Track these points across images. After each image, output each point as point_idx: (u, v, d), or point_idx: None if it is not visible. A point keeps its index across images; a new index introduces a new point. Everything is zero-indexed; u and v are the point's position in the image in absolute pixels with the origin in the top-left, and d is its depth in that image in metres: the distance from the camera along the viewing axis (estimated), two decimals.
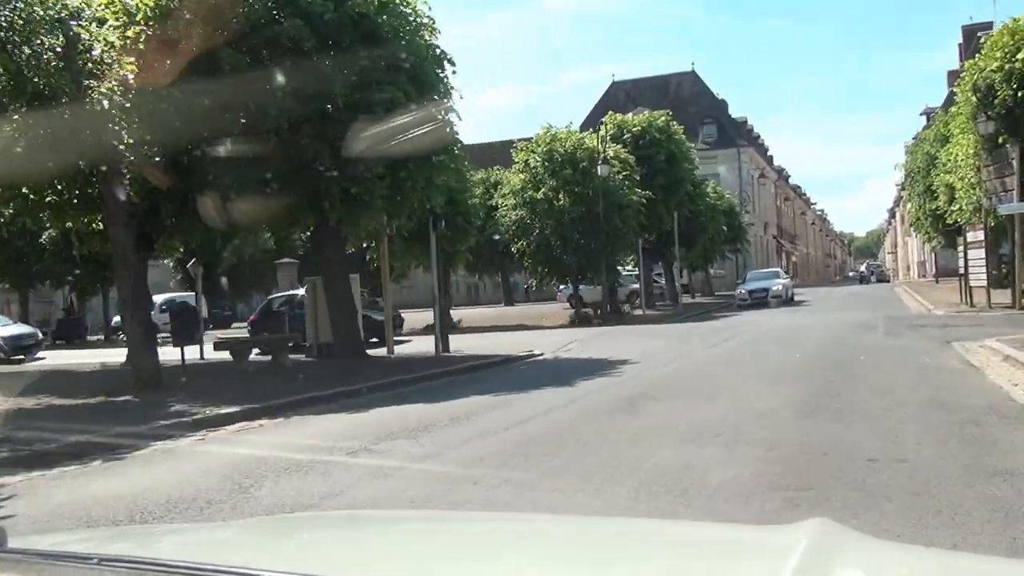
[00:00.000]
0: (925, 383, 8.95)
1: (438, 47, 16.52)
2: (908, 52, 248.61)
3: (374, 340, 20.30)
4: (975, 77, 23.48)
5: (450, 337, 21.99)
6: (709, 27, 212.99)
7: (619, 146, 33.63)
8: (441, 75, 16.49)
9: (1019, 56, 22.27)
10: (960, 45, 61.45)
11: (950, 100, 45.88)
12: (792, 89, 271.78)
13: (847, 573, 1.35)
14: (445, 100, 16.61)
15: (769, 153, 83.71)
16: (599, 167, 27.78)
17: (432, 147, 15.82)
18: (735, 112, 73.01)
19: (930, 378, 9.42)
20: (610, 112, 39.02)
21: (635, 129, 36.81)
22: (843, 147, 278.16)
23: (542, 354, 16.18)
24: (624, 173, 30.34)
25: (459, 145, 21.58)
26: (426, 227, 24.64)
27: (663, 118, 37.20)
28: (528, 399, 9.27)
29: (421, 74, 15.75)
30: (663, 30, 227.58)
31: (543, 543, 1.72)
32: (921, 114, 62.83)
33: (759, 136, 77.79)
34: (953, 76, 61.42)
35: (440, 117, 16.31)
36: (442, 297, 18.55)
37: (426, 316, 35.69)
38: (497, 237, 34.01)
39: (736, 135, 67.28)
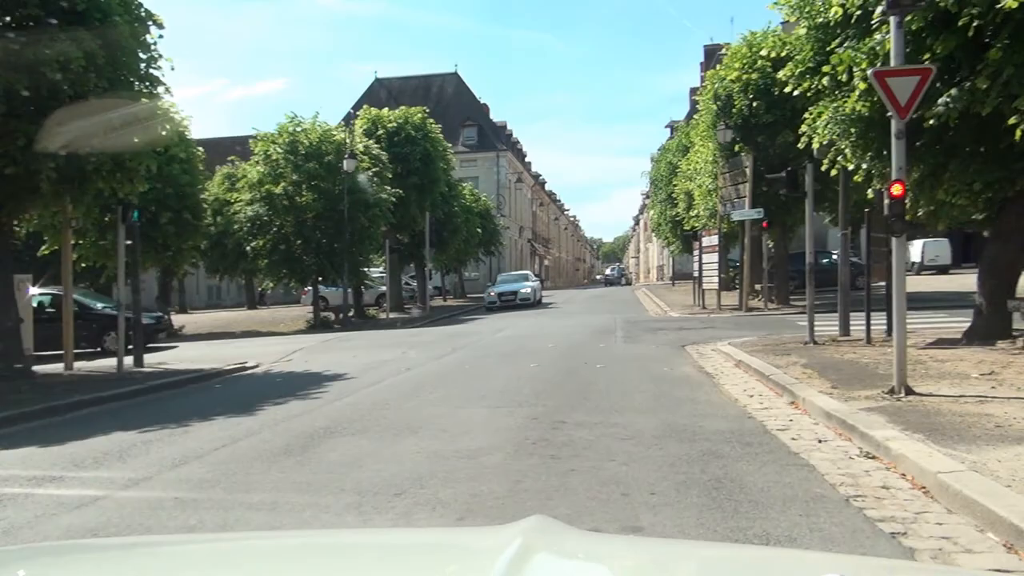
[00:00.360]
0: (661, 400, 7.89)
1: (141, 5, 13.70)
2: (658, 72, 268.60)
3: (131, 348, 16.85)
4: (716, 86, 24.17)
5: (163, 346, 19.01)
6: (473, 35, 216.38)
7: (371, 141, 31.77)
8: (146, 40, 13.65)
9: (756, 67, 23.17)
10: (702, 64, 65.87)
11: (692, 114, 48.84)
12: (551, 101, 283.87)
13: (558, 566, 1.34)
14: (149, 69, 13.79)
15: (527, 159, 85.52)
16: (346, 161, 25.69)
17: (126, 123, 13.04)
18: (496, 117, 73.71)
19: (667, 392, 8.43)
20: (365, 106, 37.04)
21: (390, 125, 35.04)
22: (596, 158, 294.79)
23: (256, 366, 13.90)
24: (374, 169, 28.49)
25: (170, 125, 18.63)
26: (146, 222, 21.42)
27: (419, 115, 35.73)
28: (183, 437, 7.07)
29: (112, 32, 12.83)
30: (428, 33, 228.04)
31: (264, 560, 1.64)
32: (666, 126, 66.65)
33: (518, 142, 79.11)
34: (695, 92, 66.03)
35: (139, 87, 13.54)
36: (140, 301, 15.60)
37: (198, 319, 32.03)
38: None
39: (496, 139, 67.73)
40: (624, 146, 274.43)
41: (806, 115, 12.36)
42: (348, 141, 26.21)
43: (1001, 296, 11.26)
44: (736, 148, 23.53)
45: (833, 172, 12.38)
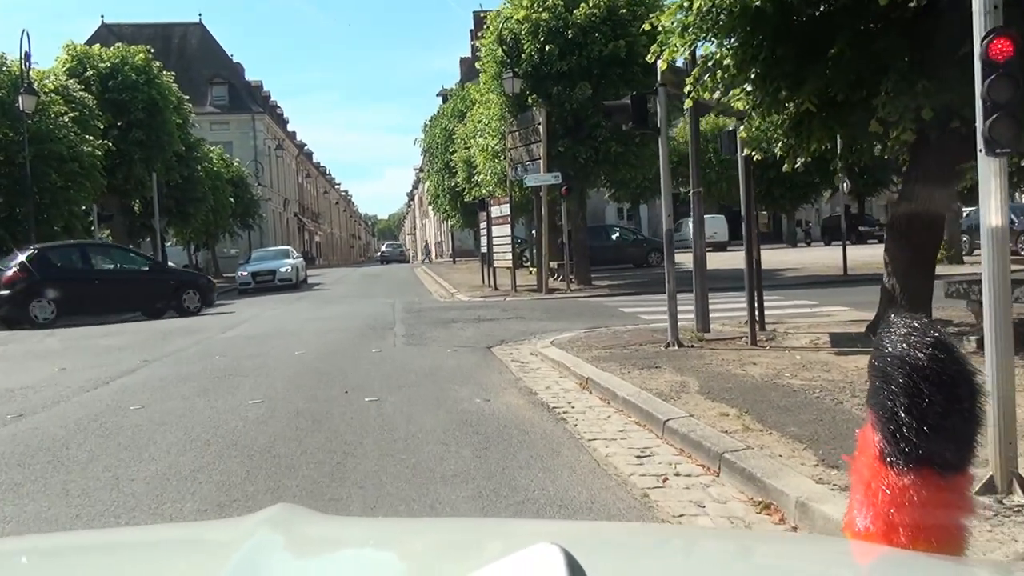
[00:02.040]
0: (494, 509, 3.71)
1: None
2: (427, 49, 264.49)
3: None
4: (500, 27, 20.38)
5: None
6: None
7: (74, 81, 25.04)
8: None
9: (547, 5, 19.63)
10: (472, 31, 62.54)
11: (465, 81, 45.18)
12: (316, 76, 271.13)
13: (308, 558, 1.23)
14: None
15: (291, 128, 78.31)
16: (22, 97, 19.11)
17: None
18: (251, 76, 66.17)
19: (500, 476, 4.24)
20: (69, 40, 29.68)
21: (103, 66, 28.12)
22: (366, 135, 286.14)
23: None
24: (72, 115, 22.00)
25: None
26: None
27: (142, 55, 29.02)
28: None
29: None
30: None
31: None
32: (438, 95, 62.57)
33: (277, 105, 71.79)
34: (466, 62, 62.45)
35: None
36: None
37: None
38: None
39: (251, 100, 60.48)
40: (396, 124, 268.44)
41: (655, 19, 8.68)
42: (24, 70, 19.55)
43: (919, 276, 8.27)
44: (528, 101, 19.95)
45: (688, 103, 8.85)
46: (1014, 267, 4.16)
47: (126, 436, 5.26)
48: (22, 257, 16.33)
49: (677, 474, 4.34)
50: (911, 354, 1.06)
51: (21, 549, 1.51)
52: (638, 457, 4.69)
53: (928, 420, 1.04)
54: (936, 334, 1.08)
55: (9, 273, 15.86)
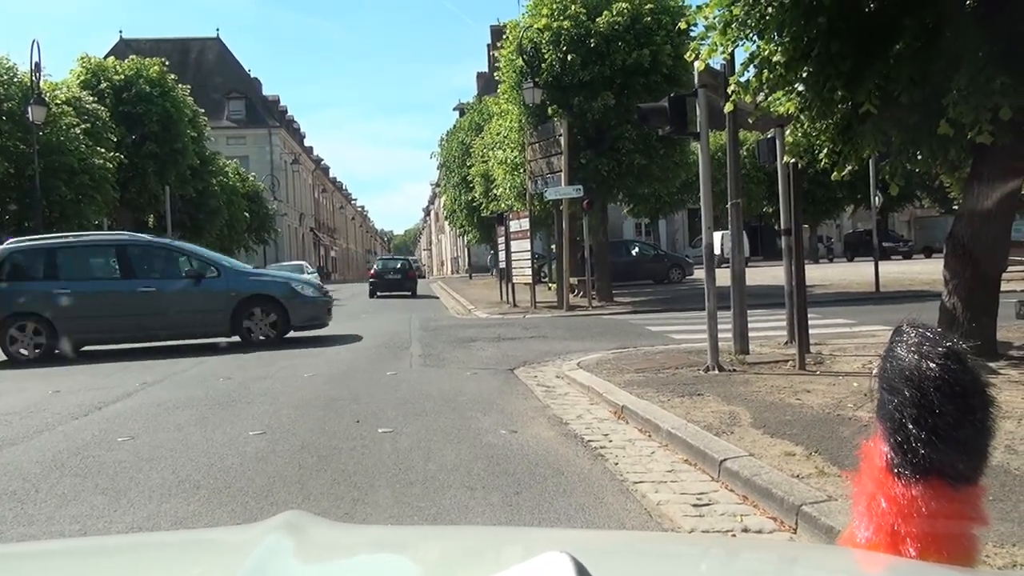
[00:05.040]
0: None
1: None
2: (445, 64, 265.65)
3: None
4: (520, 37, 19.84)
5: None
6: (241, 11, 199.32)
7: (87, 93, 24.76)
8: None
9: (568, 14, 19.07)
10: (489, 46, 62.22)
11: (484, 93, 44.81)
12: (334, 91, 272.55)
13: (318, 563, 1.21)
14: None
15: (307, 143, 78.28)
16: (31, 108, 18.69)
17: None
18: (268, 92, 66.19)
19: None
20: (83, 52, 29.48)
21: (117, 79, 27.86)
22: (384, 150, 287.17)
23: None
24: (84, 127, 21.63)
25: None
26: None
27: (156, 68, 28.74)
28: None
29: None
30: (189, 11, 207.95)
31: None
32: (454, 109, 62.26)
33: (294, 120, 71.78)
34: (482, 77, 62.18)
35: None
36: None
37: None
38: None
39: (267, 115, 60.43)
40: (412, 139, 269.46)
41: (692, 16, 8.05)
42: (35, 78, 19.16)
43: (983, 294, 7.56)
44: (549, 112, 19.34)
45: (728, 106, 8.18)
46: None
47: (106, 476, 4.61)
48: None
49: (746, 529, 3.67)
50: (922, 364, 1.03)
51: (34, 552, 1.52)
52: (695, 506, 4.01)
53: (939, 431, 1.01)
54: (949, 344, 1.05)
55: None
